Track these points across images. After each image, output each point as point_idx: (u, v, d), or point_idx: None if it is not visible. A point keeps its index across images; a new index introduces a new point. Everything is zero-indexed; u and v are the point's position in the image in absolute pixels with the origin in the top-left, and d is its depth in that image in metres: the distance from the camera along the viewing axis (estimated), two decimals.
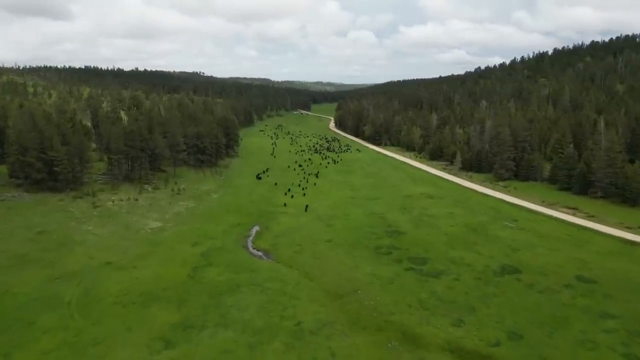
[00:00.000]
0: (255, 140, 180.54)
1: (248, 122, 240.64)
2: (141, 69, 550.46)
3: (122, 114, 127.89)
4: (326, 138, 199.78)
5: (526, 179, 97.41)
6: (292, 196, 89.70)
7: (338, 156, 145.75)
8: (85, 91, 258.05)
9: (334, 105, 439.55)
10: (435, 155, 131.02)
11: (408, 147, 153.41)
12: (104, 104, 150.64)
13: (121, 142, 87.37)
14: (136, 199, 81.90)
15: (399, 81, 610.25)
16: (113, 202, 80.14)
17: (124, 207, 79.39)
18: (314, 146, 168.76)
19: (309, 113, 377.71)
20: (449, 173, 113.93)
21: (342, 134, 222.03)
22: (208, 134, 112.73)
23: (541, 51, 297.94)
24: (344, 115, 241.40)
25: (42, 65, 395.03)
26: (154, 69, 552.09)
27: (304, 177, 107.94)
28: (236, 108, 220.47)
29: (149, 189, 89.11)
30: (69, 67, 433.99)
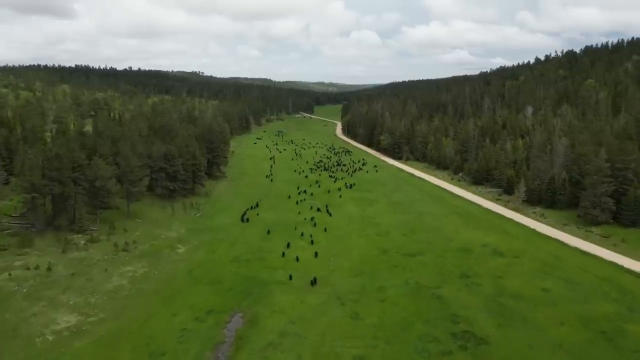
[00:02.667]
0: (250, 152, 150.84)
1: (244, 128, 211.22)
2: (142, 68, 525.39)
3: (73, 124, 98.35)
4: (334, 149, 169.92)
5: (632, 224, 67.52)
6: (296, 258, 59.71)
7: (351, 176, 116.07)
8: (62, 92, 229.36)
9: (338, 107, 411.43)
10: (480, 179, 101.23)
11: (439, 164, 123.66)
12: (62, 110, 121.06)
13: (38, 172, 57.73)
14: (49, 269, 52.12)
15: (404, 81, 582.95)
16: (10, 274, 50.48)
17: (27, 283, 49.73)
18: (320, 161, 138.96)
19: (312, 116, 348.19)
20: (507, 207, 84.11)
21: (353, 143, 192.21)
22: (182, 154, 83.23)
23: (563, 50, 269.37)
24: (353, 121, 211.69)
25: (23, 65, 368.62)
26: (149, 69, 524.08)
27: (311, 218, 77.61)
28: (229, 113, 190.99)
29: (82, 242, 59.43)
30: (60, 66, 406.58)
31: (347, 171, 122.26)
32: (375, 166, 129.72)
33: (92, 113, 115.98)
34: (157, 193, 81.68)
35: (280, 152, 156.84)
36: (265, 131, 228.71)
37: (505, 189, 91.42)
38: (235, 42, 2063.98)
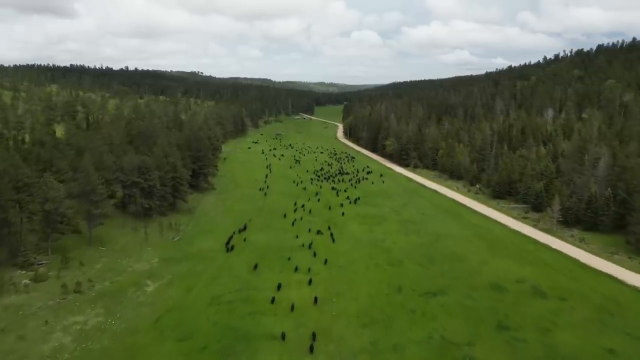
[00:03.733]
0: (244, 158, 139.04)
1: (240, 130, 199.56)
2: (141, 68, 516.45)
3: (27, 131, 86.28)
4: (336, 154, 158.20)
5: None
6: (292, 307, 47.66)
7: (355, 187, 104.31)
8: (48, 93, 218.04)
9: (339, 107, 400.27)
10: (502, 192, 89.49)
11: (452, 174, 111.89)
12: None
13: None
14: None
15: (405, 82, 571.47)
16: None
17: None
18: (321, 168, 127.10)
19: (312, 118, 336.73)
20: (537, 228, 72.36)
21: (355, 147, 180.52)
22: (160, 165, 71.65)
23: (572, 50, 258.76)
24: (356, 124, 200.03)
25: (20, 65, 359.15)
26: (147, 68, 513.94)
27: (309, 244, 65.53)
28: (223, 115, 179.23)
29: (23, 282, 47.79)
30: (54, 65, 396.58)
31: (350, 181, 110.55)
32: (382, 175, 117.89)
33: (65, 117, 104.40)
34: (130, 211, 70.03)
35: (277, 158, 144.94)
36: (262, 134, 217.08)
37: (533, 206, 79.73)
38: (236, 42, 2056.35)
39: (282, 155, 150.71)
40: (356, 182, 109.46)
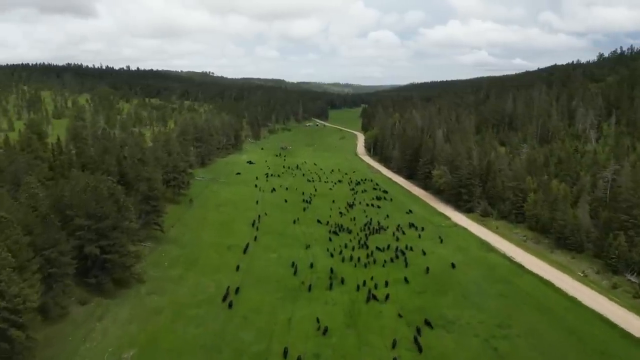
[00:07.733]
0: (223, 196, 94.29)
1: (233, 145, 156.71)
2: (157, 68, 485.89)
3: None
4: (359, 184, 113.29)
5: None
6: None
7: (402, 268, 59.37)
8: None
9: (355, 110, 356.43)
10: None
11: (560, 240, 66.48)
12: None
13: None
14: None
15: (425, 82, 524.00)
16: None
17: None
18: (341, 216, 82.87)
19: (325, 124, 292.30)
20: None
21: (383, 171, 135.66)
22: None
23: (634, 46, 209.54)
24: (382, 138, 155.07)
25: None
26: (150, 68, 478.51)
27: None
28: (205, 128, 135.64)
29: None
30: (51, 64, 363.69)
31: (388, 248, 65.96)
32: (441, 239, 72.06)
33: None
34: None
35: (281, 195, 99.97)
36: (263, 148, 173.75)
37: None
38: (254, 42, 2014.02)
39: (285, 188, 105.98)
40: (400, 252, 64.60)
